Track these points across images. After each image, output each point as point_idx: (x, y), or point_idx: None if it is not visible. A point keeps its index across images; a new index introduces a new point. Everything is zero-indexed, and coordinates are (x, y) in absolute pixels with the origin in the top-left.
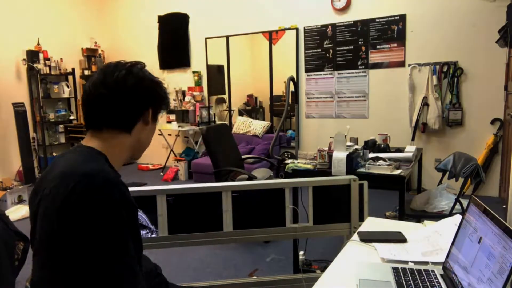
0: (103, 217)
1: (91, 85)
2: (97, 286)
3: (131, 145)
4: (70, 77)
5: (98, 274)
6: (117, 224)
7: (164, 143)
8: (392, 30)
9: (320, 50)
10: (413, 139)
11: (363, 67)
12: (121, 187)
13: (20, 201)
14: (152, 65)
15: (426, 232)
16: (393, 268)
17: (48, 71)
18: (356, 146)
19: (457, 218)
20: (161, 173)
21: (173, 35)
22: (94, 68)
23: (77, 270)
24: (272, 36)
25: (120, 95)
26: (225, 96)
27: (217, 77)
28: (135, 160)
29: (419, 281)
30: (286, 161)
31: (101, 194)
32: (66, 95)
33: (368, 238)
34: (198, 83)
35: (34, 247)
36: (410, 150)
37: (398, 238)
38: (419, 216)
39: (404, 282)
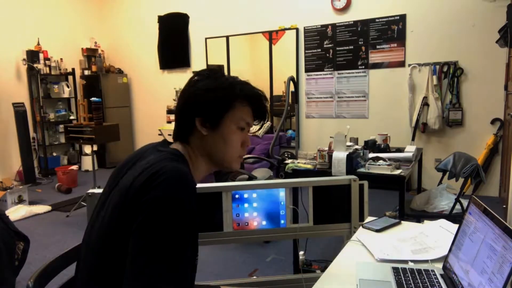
0: (180, 214)
1: (188, 93)
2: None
3: (210, 151)
4: (70, 77)
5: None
6: (188, 227)
7: None
8: (392, 30)
9: (320, 50)
10: (413, 139)
11: (363, 67)
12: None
13: (20, 201)
14: (152, 65)
15: (412, 233)
16: (393, 268)
17: (48, 71)
18: (356, 146)
19: (442, 221)
20: None
21: (173, 35)
22: (94, 68)
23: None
24: (272, 36)
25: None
26: None
27: None
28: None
29: (419, 281)
30: (286, 161)
31: (186, 194)
32: (66, 95)
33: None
34: None
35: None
36: (410, 150)
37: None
38: (419, 216)
39: (404, 282)
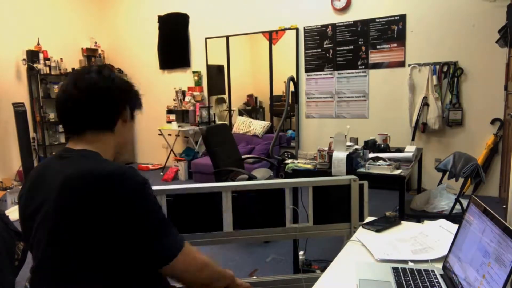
0: (139, 198)
1: (65, 91)
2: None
3: (114, 144)
4: None
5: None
6: (154, 199)
7: (164, 143)
8: (392, 30)
9: (320, 50)
10: (413, 139)
11: (363, 67)
12: (138, 172)
13: None
14: (152, 65)
15: (411, 233)
16: (393, 268)
17: (48, 71)
18: (356, 146)
19: (442, 221)
20: (161, 173)
21: (173, 35)
22: None
23: (122, 247)
24: (272, 36)
25: (96, 97)
26: (225, 96)
27: (217, 77)
28: (118, 160)
29: (419, 281)
30: (286, 161)
31: (133, 181)
32: None
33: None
34: (198, 83)
35: (42, 247)
36: (410, 150)
37: (395, 222)
38: (419, 216)
39: (404, 282)
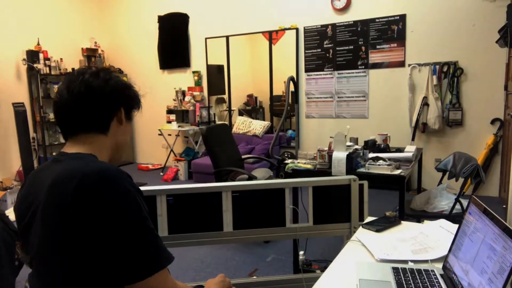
0: (124, 203)
1: (59, 94)
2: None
3: (110, 146)
4: None
5: (131, 249)
6: (137, 207)
7: (164, 143)
8: (392, 30)
9: (320, 50)
10: (413, 139)
11: (363, 67)
12: (127, 176)
13: None
14: (152, 65)
15: (412, 233)
16: (393, 268)
17: (48, 71)
18: (356, 146)
19: (442, 221)
20: (161, 173)
21: (173, 35)
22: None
23: (106, 253)
24: (272, 36)
25: (87, 99)
26: (225, 96)
27: (217, 77)
28: (117, 162)
29: (419, 281)
30: (286, 161)
31: (117, 185)
32: None
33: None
34: (198, 83)
35: (36, 250)
36: (410, 150)
37: (395, 222)
38: (419, 216)
39: (404, 282)
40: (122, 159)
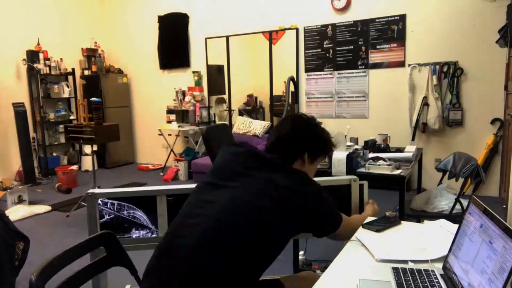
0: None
1: (278, 129)
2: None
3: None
4: (70, 77)
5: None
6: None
7: (164, 143)
8: (392, 30)
9: (320, 50)
10: (413, 139)
11: (363, 67)
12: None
13: (20, 201)
14: (152, 65)
15: (412, 233)
16: (393, 268)
17: (48, 71)
18: (356, 146)
19: (442, 221)
20: (161, 173)
21: (173, 35)
22: (94, 68)
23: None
24: (272, 36)
25: (286, 141)
26: (225, 96)
27: (217, 77)
28: None
29: (419, 281)
30: None
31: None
32: (66, 95)
33: (370, 224)
34: (198, 83)
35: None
36: (410, 150)
37: (395, 222)
38: (419, 216)
39: (404, 282)
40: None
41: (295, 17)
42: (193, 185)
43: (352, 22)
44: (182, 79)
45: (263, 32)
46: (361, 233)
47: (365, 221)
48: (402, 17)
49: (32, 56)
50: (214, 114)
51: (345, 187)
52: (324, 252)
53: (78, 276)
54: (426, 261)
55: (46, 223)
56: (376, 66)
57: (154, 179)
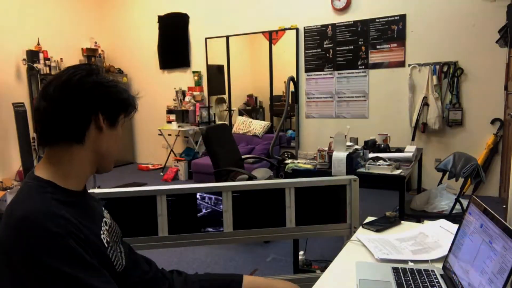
0: (47, 255)
1: (37, 101)
2: None
3: (89, 157)
4: None
5: None
6: (63, 254)
7: (164, 143)
8: (392, 30)
9: (320, 50)
10: (413, 139)
11: (363, 67)
12: (59, 219)
13: None
14: (152, 65)
15: (412, 233)
16: (393, 268)
17: (48, 71)
18: (356, 146)
19: (442, 221)
20: (161, 173)
21: (173, 35)
22: None
23: None
24: (272, 36)
25: (57, 104)
26: (225, 96)
27: (217, 77)
28: (105, 172)
29: (419, 281)
30: (286, 161)
31: (39, 230)
32: None
33: (369, 224)
34: (198, 83)
35: None
36: (410, 150)
37: (395, 222)
38: (419, 216)
39: (404, 282)
40: (111, 168)
41: (295, 17)
42: (193, 185)
43: (352, 22)
44: (182, 79)
45: (263, 32)
46: (361, 233)
47: (365, 221)
48: (402, 17)
49: (32, 56)
50: (214, 114)
51: (345, 187)
52: (324, 252)
53: None
54: (426, 261)
55: None
56: (376, 66)
57: (154, 179)
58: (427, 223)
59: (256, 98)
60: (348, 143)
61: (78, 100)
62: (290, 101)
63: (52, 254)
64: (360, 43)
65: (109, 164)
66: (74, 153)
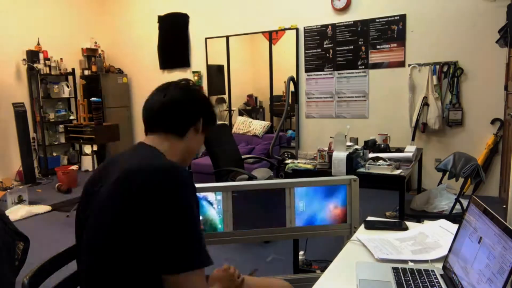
0: (182, 197)
1: (154, 93)
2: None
3: (182, 150)
4: (70, 77)
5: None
6: (193, 206)
7: None
8: (392, 30)
9: (320, 50)
10: (413, 139)
11: (363, 67)
12: (188, 175)
13: (20, 201)
14: (152, 65)
15: (412, 233)
16: (393, 268)
17: (48, 71)
18: (356, 146)
19: (442, 221)
20: None
21: (173, 35)
22: (94, 68)
23: (152, 247)
24: (272, 36)
25: (177, 104)
26: (225, 96)
27: (217, 77)
28: (184, 166)
29: (419, 281)
30: (286, 161)
31: (181, 181)
32: (66, 95)
33: (372, 225)
34: (198, 83)
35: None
36: (410, 150)
37: (399, 226)
38: (419, 216)
39: (404, 282)
40: (188, 164)
41: (295, 17)
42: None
43: (352, 22)
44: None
45: (263, 32)
46: (361, 233)
47: (365, 221)
48: (402, 17)
49: (32, 56)
50: None
51: (344, 187)
52: (324, 252)
53: (75, 276)
54: (426, 261)
55: (46, 223)
56: (376, 66)
57: None
58: (427, 223)
59: (256, 98)
60: (348, 143)
61: (193, 102)
62: (290, 101)
63: (189, 193)
64: (360, 43)
65: (190, 160)
66: (173, 142)
